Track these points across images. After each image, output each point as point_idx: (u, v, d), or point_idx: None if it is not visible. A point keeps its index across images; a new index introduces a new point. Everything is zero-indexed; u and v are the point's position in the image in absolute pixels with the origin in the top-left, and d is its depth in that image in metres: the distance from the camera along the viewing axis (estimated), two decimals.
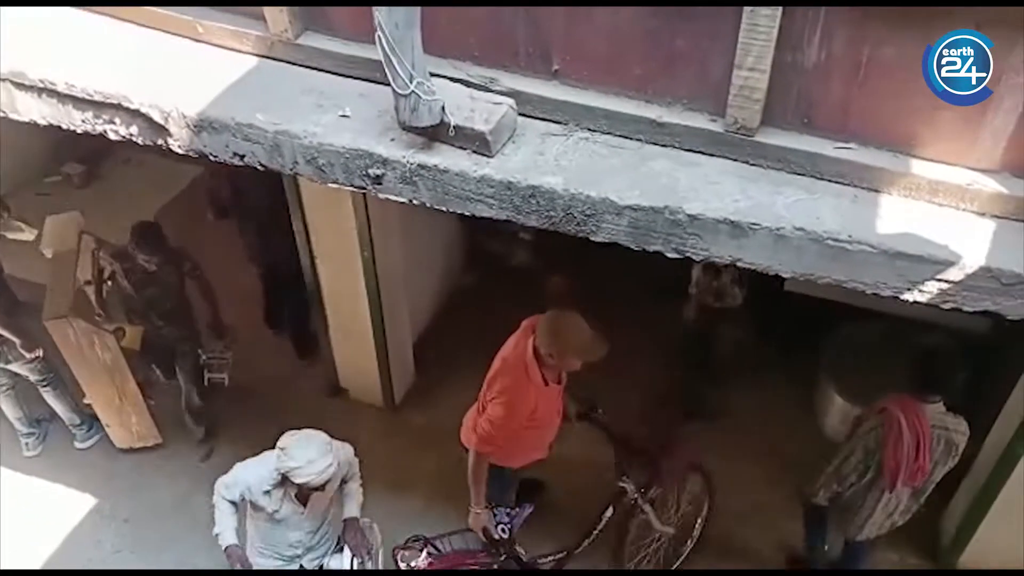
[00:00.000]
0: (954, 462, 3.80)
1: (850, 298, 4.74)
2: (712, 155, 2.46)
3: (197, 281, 5.01)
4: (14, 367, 4.90)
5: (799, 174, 2.41)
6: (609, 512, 4.32)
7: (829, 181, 2.41)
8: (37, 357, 4.84)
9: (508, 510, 4.18)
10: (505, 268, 6.36)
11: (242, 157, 2.63)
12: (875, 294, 2.35)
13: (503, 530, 4.10)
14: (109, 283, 4.88)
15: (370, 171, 2.55)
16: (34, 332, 4.85)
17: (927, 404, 3.66)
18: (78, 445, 5.30)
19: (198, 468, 5.22)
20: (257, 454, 3.90)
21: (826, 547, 4.63)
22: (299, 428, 5.33)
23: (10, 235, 6.29)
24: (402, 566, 4.11)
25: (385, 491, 5.10)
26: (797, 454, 5.17)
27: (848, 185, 2.39)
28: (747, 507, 4.94)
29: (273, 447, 5.26)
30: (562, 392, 3.99)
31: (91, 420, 5.32)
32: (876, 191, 2.38)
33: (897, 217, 2.32)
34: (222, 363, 5.27)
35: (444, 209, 2.57)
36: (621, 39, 2.43)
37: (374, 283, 4.90)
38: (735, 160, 2.45)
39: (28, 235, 6.23)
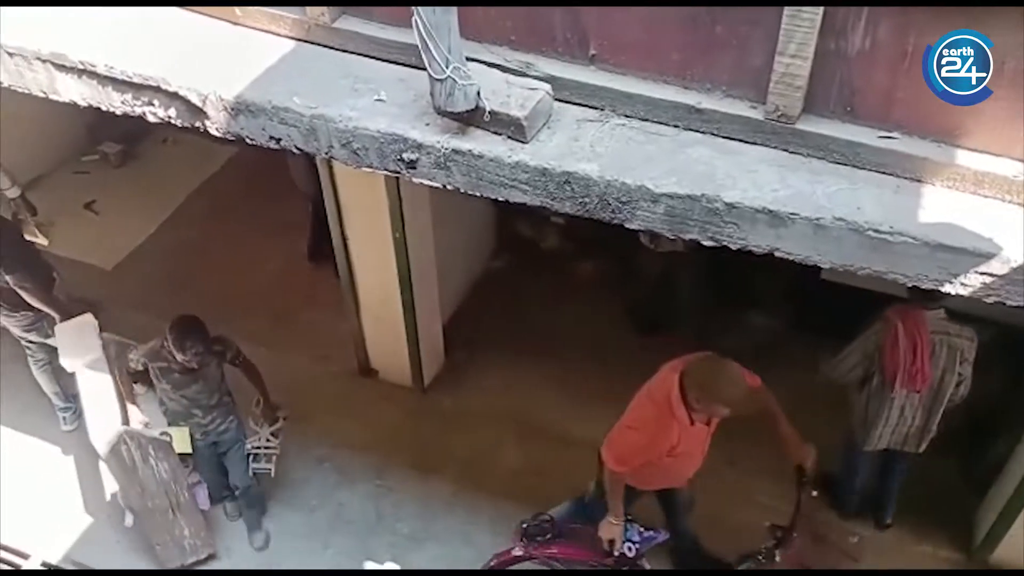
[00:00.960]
0: (965, 370, 4.00)
1: (888, 288, 4.71)
2: (751, 143, 2.42)
3: (243, 367, 4.63)
4: (53, 341, 4.99)
5: (840, 163, 2.37)
6: (747, 566, 4.17)
7: (871, 171, 2.36)
8: None
9: (641, 530, 4.12)
10: (536, 251, 6.35)
11: (278, 140, 2.64)
12: (915, 286, 2.31)
13: (629, 548, 4.05)
14: (137, 385, 4.55)
15: (404, 156, 2.54)
16: (72, 307, 4.93)
17: (928, 311, 3.89)
18: None
19: None
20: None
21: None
22: (327, 406, 5.40)
23: (27, 237, 6.39)
24: (518, 540, 4.22)
25: (414, 473, 5.17)
26: (831, 448, 5.13)
27: (890, 175, 2.35)
28: (776, 499, 4.90)
29: (305, 426, 5.34)
30: (711, 433, 3.86)
31: None
32: (919, 181, 2.33)
33: (940, 208, 2.27)
34: (270, 452, 4.85)
35: (478, 194, 2.57)
36: (660, 24, 2.39)
37: (405, 264, 4.92)
38: (775, 148, 2.41)
39: (43, 241, 6.32)
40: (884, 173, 2.35)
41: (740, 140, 2.44)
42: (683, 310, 5.61)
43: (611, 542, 3.99)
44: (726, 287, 5.77)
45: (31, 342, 5.04)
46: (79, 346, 4.55)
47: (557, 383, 5.55)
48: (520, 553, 4.26)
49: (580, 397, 5.47)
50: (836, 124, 2.37)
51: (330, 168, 4.67)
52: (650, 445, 3.70)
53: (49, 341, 5.00)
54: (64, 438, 5.33)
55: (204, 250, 6.42)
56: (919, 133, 2.32)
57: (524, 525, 4.24)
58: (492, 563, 4.38)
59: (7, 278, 4.64)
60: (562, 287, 6.12)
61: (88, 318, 4.72)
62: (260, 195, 6.69)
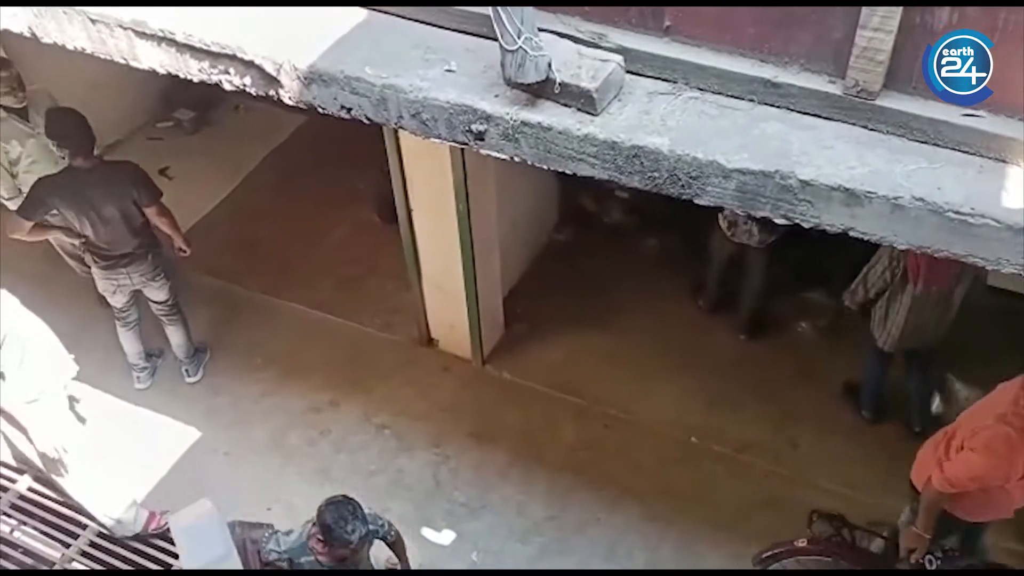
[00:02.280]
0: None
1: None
2: (828, 119, 2.35)
3: (395, 542, 4.08)
4: (164, 293, 5.18)
5: (921, 142, 2.29)
6: None
7: (953, 150, 2.27)
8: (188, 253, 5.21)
9: (947, 549, 3.99)
10: (599, 225, 6.32)
11: (349, 110, 2.66)
12: (995, 271, 2.24)
13: (930, 561, 3.90)
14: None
15: (473, 127, 2.54)
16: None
17: None
18: (191, 380, 5.55)
19: (290, 407, 5.43)
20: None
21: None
22: (388, 374, 5.50)
23: None
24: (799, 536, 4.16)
25: (470, 443, 5.23)
26: (894, 431, 5.04)
27: (973, 155, 2.26)
28: (837, 483, 4.84)
29: (366, 393, 5.44)
30: None
31: (199, 353, 5.61)
32: (1003, 162, 2.24)
33: None
34: None
35: (545, 167, 2.56)
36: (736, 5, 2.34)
37: (468, 236, 4.94)
38: (852, 124, 2.34)
39: None
40: (967, 152, 2.27)
41: (816, 116, 2.37)
42: (751, 292, 5.53)
43: (911, 551, 3.87)
44: (793, 267, 5.68)
45: (134, 303, 5.20)
46: (201, 538, 3.78)
47: (616, 359, 5.54)
48: (804, 545, 4.17)
49: (639, 374, 5.47)
50: (918, 101, 2.28)
51: (397, 139, 4.70)
52: (993, 471, 3.54)
53: (159, 293, 5.16)
54: (137, 395, 5.51)
55: (272, 217, 6.56)
56: (1006, 112, 2.23)
57: (815, 519, 4.16)
58: (772, 552, 4.23)
59: (152, 208, 4.84)
60: (625, 262, 6.08)
61: (206, 504, 3.94)
62: (327, 164, 6.80)
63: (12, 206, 5.08)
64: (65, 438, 4.33)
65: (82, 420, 4.66)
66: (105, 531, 4.69)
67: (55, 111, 4.80)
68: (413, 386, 5.52)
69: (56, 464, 4.39)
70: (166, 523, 4.60)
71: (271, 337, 5.79)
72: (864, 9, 2.13)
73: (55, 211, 4.71)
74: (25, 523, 4.80)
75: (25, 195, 4.78)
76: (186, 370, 5.54)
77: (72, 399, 4.49)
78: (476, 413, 5.38)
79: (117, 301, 5.16)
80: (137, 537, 4.71)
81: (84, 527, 4.78)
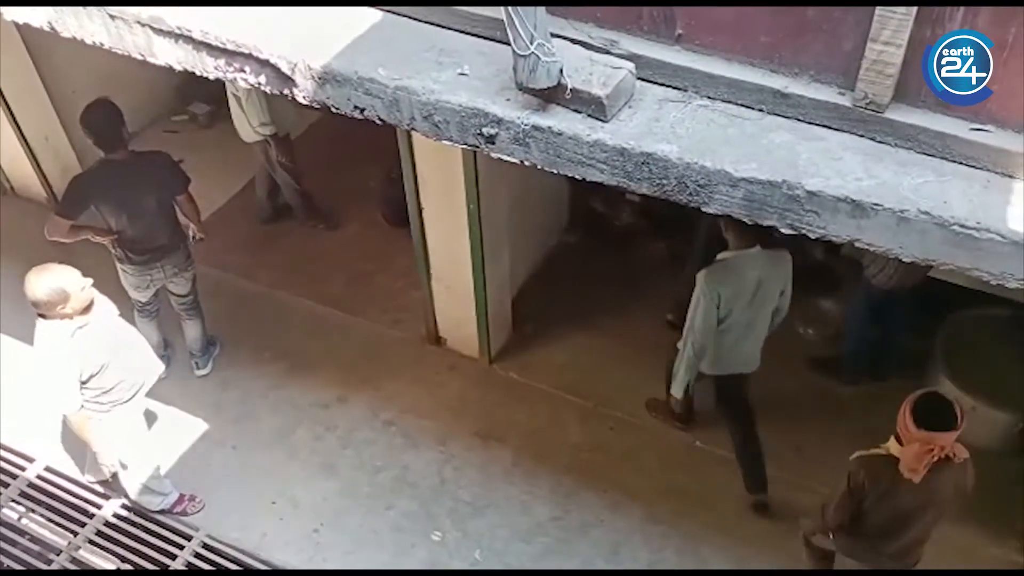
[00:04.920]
0: None
1: (971, 282, 4.57)
2: (837, 130, 2.37)
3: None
4: (188, 286, 5.23)
5: (928, 155, 2.31)
6: None
7: (960, 164, 2.29)
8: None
9: None
10: (609, 228, 6.34)
11: (362, 111, 2.69)
12: (1000, 284, 2.25)
13: None
14: None
15: (484, 130, 2.57)
16: None
17: None
18: (200, 373, 5.58)
19: (298, 402, 5.47)
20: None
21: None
22: (395, 371, 5.54)
23: None
24: None
25: (476, 442, 5.25)
26: None
27: (980, 169, 2.27)
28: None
29: (374, 390, 5.46)
30: None
31: (210, 347, 5.64)
32: (1010, 177, 2.25)
33: None
34: None
35: (555, 171, 2.58)
36: (750, 5, 2.35)
37: (478, 236, 4.96)
38: (861, 136, 2.36)
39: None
40: (974, 167, 2.28)
41: (825, 127, 2.39)
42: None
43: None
44: (805, 275, 5.67)
45: (157, 295, 5.22)
46: None
47: (623, 362, 5.56)
48: None
49: (646, 378, 5.47)
50: (927, 114, 2.30)
51: (409, 139, 4.73)
52: None
53: (185, 288, 5.22)
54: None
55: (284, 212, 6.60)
56: (1014, 127, 2.24)
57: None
58: None
59: (183, 196, 4.95)
60: (634, 265, 6.10)
61: None
62: (340, 161, 6.84)
63: (266, 131, 5.74)
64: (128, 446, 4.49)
65: (154, 417, 4.76)
66: (127, 506, 4.76)
67: (91, 104, 4.71)
68: (420, 384, 5.55)
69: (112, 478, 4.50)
70: (197, 510, 4.85)
71: (280, 332, 5.83)
72: (875, 23, 2.15)
73: (91, 208, 4.69)
74: (34, 510, 4.87)
75: (62, 195, 4.76)
76: (196, 363, 5.57)
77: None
78: (482, 412, 5.41)
79: (143, 296, 5.16)
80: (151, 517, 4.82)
81: (92, 516, 4.83)
